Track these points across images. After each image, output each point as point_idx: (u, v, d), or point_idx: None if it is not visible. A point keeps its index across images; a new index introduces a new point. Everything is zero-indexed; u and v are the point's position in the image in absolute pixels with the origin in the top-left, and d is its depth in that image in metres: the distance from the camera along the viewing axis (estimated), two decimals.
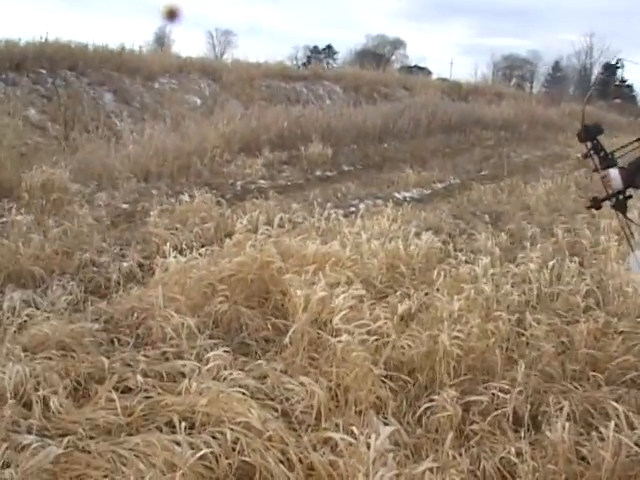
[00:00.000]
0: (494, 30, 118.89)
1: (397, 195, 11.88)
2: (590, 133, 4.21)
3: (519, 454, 3.58)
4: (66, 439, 3.42)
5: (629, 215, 4.26)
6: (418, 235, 7.10)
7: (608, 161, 4.15)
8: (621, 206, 4.17)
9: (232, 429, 3.47)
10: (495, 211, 10.21)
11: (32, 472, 3.07)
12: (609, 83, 66.62)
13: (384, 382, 4.22)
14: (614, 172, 4.09)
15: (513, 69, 70.05)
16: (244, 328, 5.10)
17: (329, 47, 69.55)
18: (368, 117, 19.21)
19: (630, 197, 4.18)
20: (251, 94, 22.95)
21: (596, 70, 68.31)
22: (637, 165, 4.13)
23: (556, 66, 69.39)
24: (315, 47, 69.00)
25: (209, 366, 4.14)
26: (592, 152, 4.23)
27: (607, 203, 4.23)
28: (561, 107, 32.79)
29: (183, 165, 12.54)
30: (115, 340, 4.96)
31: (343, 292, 4.97)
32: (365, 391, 4.05)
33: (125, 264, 6.88)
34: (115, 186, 10.74)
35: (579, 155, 4.51)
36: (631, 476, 3.46)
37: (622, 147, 4.27)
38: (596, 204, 4.25)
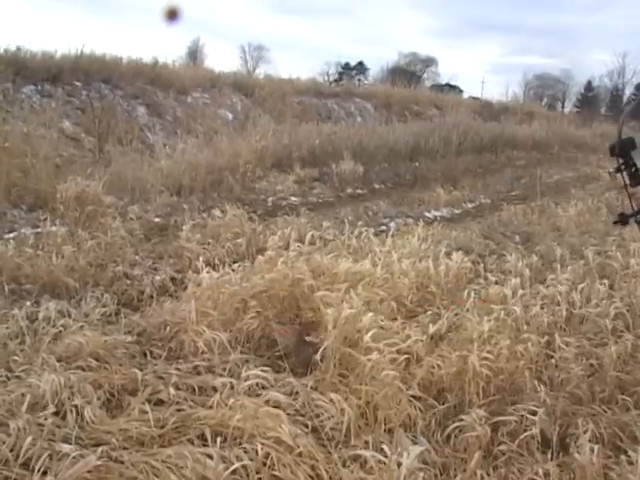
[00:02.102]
0: (526, 49, 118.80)
1: (428, 214, 11.92)
2: (623, 148, 4.20)
3: (547, 475, 3.60)
4: (100, 449, 3.47)
5: None
6: (448, 255, 7.11)
7: (639, 178, 4.16)
8: None
9: (263, 444, 3.51)
10: (525, 232, 10.19)
11: None
12: None
13: (413, 401, 4.24)
14: None
15: (545, 88, 69.68)
16: (275, 344, 5.14)
17: (361, 64, 69.59)
18: (399, 135, 19.24)
19: None
20: (283, 110, 23.05)
21: (628, 91, 67.97)
22: None
23: (588, 86, 69.03)
24: (347, 63, 69.05)
25: (243, 384, 4.16)
26: (623, 167, 4.23)
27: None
28: (593, 128, 32.66)
29: (215, 180, 12.64)
30: (148, 353, 5.04)
31: (374, 310, 5.00)
32: (395, 410, 4.08)
33: (158, 277, 6.97)
34: (148, 199, 10.86)
35: (610, 170, 4.54)
36: None
37: None
38: (623, 219, 4.24)
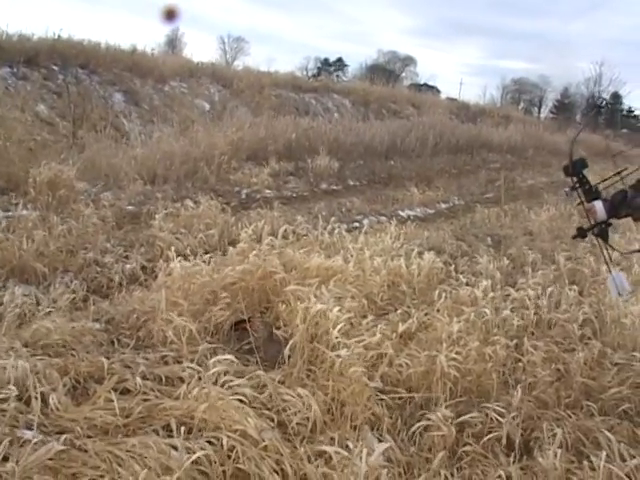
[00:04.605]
0: (505, 53, 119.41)
1: (401, 213, 11.94)
2: (576, 168, 4.45)
3: (509, 478, 3.61)
4: (64, 437, 3.45)
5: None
6: (420, 254, 7.11)
7: (593, 194, 4.41)
8: (603, 234, 4.44)
9: (229, 436, 3.50)
10: (497, 235, 10.23)
11: (31, 467, 3.10)
12: (616, 113, 66.86)
13: (380, 399, 4.25)
14: (599, 204, 4.38)
15: (522, 93, 70.10)
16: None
17: (340, 60, 69.68)
18: (376, 133, 19.26)
19: (610, 225, 4.46)
20: (260, 102, 23.04)
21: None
22: (619, 197, 4.36)
23: (564, 92, 69.46)
24: (326, 59, 69.12)
25: (211, 375, 4.14)
26: (578, 186, 4.47)
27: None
28: (567, 134, 32.85)
29: (190, 170, 12.60)
30: (115, 341, 5.00)
31: (345, 307, 4.99)
32: (361, 406, 4.08)
33: (128, 266, 6.93)
34: (121, 187, 10.81)
35: (566, 189, 4.76)
36: None
37: (604, 180, 4.52)
38: (581, 233, 4.53)
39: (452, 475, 3.64)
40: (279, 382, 4.31)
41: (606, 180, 4.59)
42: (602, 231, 4.45)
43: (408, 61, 68.49)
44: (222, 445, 3.44)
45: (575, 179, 4.49)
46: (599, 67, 66.46)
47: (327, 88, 28.97)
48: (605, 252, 4.62)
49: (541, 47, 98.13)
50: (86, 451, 3.38)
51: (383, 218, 10.99)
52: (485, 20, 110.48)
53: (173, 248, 6.35)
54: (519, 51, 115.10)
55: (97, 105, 17.13)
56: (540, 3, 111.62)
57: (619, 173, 4.56)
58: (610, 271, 4.59)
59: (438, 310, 5.61)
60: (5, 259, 6.48)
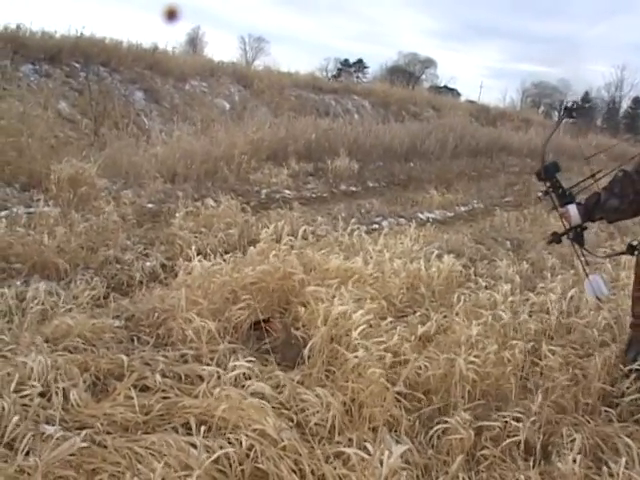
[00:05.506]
0: (525, 55, 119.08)
1: (420, 215, 11.92)
2: (549, 172, 4.46)
3: None
4: (84, 432, 3.47)
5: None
6: (439, 257, 7.10)
7: (566, 198, 4.42)
8: (578, 238, 4.62)
9: (248, 435, 3.51)
10: (517, 239, 10.19)
11: (53, 463, 3.12)
12: (637, 118, 66.61)
13: (399, 401, 4.25)
14: (572, 208, 4.41)
15: (542, 97, 69.89)
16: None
17: (360, 61, 69.75)
18: (396, 135, 19.24)
19: (586, 229, 4.60)
20: (280, 103, 23.08)
21: (625, 104, 68.29)
22: (593, 201, 4.39)
23: (585, 97, 69.16)
24: (346, 60, 69.21)
25: (230, 375, 4.15)
26: (551, 190, 4.46)
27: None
28: (588, 139, 32.69)
29: (210, 169, 12.63)
30: (135, 338, 5.01)
31: (364, 308, 4.99)
32: (380, 408, 4.08)
33: (148, 264, 6.96)
34: (141, 185, 10.85)
35: (539, 194, 4.81)
36: None
37: (578, 183, 4.61)
38: (556, 238, 4.63)
39: (470, 479, 3.64)
40: (298, 382, 4.31)
41: (579, 183, 4.60)
42: (577, 235, 4.54)
43: (428, 63, 68.47)
44: (241, 444, 3.45)
45: (548, 183, 4.51)
46: (620, 71, 66.25)
47: (347, 89, 28.99)
48: (581, 256, 4.67)
49: (561, 50, 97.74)
50: (106, 447, 3.40)
51: (402, 220, 10.96)
52: (505, 22, 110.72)
53: (193, 247, 6.36)
54: (539, 54, 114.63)
55: (118, 103, 17.20)
56: (561, 6, 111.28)
57: (593, 176, 4.57)
58: (587, 275, 4.64)
59: (457, 313, 5.60)
60: (27, 255, 6.52)
